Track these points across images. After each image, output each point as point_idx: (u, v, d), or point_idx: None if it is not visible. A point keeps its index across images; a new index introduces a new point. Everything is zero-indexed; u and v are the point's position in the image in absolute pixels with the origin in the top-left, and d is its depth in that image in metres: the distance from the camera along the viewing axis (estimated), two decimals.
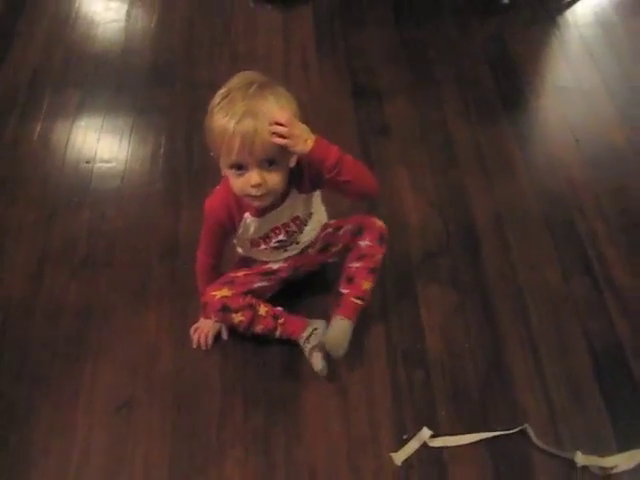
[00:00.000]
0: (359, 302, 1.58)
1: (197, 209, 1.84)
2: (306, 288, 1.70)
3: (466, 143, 2.06)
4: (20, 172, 2.02)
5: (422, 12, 2.54)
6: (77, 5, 2.57)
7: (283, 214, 1.48)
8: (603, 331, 1.64)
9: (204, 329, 1.62)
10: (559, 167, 1.99)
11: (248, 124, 1.24)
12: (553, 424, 1.49)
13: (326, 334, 1.54)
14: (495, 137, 2.08)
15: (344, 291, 1.59)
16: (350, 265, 1.61)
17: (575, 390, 1.54)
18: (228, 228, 1.50)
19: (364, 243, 1.60)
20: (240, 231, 1.51)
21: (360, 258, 1.60)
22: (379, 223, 1.61)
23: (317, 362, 1.53)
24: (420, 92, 2.23)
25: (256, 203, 1.39)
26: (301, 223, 1.53)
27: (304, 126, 1.30)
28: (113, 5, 2.57)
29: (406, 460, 1.44)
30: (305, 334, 1.56)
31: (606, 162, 2.01)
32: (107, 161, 2.03)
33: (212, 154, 1.35)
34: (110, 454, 1.46)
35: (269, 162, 1.29)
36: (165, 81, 2.27)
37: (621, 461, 1.43)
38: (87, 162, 2.03)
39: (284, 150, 1.28)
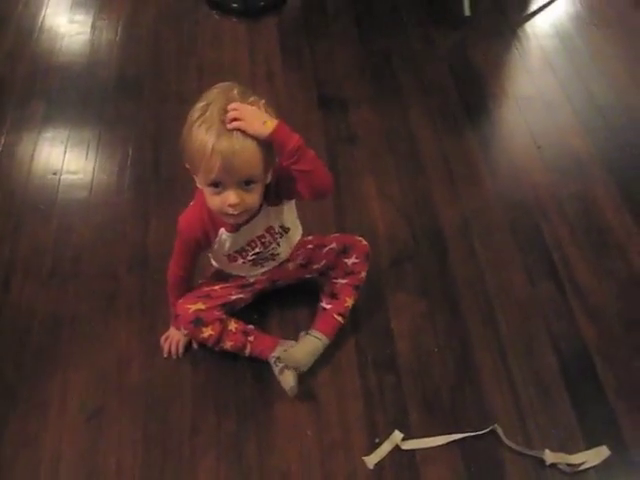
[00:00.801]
0: (340, 319, 1.60)
1: (166, 219, 1.87)
2: (280, 299, 1.71)
3: (432, 151, 2.10)
4: None
5: (384, 24, 2.58)
6: (41, 18, 2.55)
7: (257, 226, 1.48)
8: (569, 332, 1.67)
9: (174, 338, 1.61)
10: (522, 173, 2.04)
11: (227, 144, 1.23)
12: (522, 424, 1.51)
13: (296, 347, 1.54)
14: (460, 145, 2.13)
15: (327, 306, 1.61)
16: (335, 281, 1.63)
17: (542, 390, 1.57)
18: (203, 244, 1.49)
19: (350, 261, 1.62)
20: (216, 247, 1.50)
21: (346, 275, 1.62)
22: (364, 242, 1.65)
23: (288, 381, 1.51)
24: (385, 102, 2.27)
25: (232, 221, 1.39)
26: (275, 234, 1.53)
27: (258, 110, 1.27)
28: (78, 18, 2.56)
29: (378, 463, 1.45)
30: (275, 354, 1.56)
31: (567, 168, 2.06)
32: (74, 172, 2.02)
33: (188, 166, 1.34)
34: (80, 465, 1.44)
35: (247, 182, 1.29)
36: (132, 92, 2.27)
37: (588, 457, 1.46)
38: (54, 174, 2.01)
39: (262, 168, 1.29)
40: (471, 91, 2.31)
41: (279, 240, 1.55)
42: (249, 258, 1.54)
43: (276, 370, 1.54)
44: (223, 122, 1.23)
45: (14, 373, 1.58)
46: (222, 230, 1.45)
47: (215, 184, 1.29)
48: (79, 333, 1.66)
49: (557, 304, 1.73)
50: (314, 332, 1.58)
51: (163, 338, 1.62)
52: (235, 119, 1.23)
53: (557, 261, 1.82)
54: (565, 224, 1.90)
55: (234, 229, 1.45)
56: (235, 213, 1.32)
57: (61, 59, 2.40)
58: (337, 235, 1.69)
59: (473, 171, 2.05)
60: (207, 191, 1.32)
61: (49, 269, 1.78)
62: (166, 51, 2.43)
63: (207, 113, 1.25)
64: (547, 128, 2.19)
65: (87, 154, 2.07)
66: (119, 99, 2.25)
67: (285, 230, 1.54)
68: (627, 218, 1.92)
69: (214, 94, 1.29)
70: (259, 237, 1.51)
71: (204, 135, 1.24)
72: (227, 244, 1.49)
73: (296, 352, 1.53)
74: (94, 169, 2.03)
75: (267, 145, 1.28)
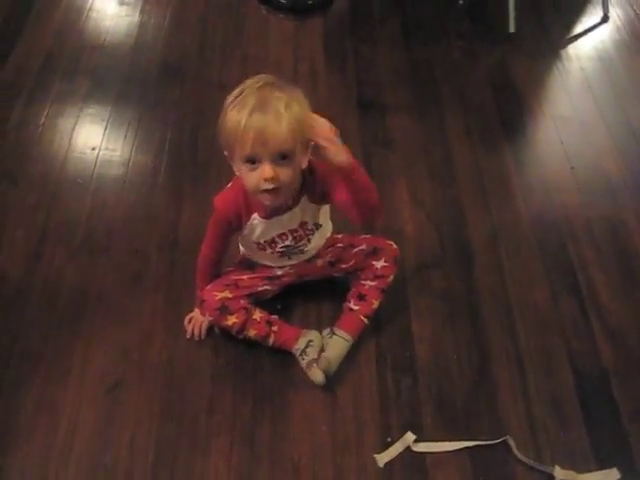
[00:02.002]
0: (365, 321, 1.63)
1: (199, 204, 1.90)
2: (305, 292, 1.72)
3: (466, 162, 2.11)
4: (25, 153, 2.03)
5: (429, 34, 2.61)
6: None
7: (292, 220, 1.50)
8: (587, 352, 1.68)
9: (198, 320, 1.63)
10: (554, 192, 2.05)
11: (260, 116, 1.25)
12: (534, 438, 1.52)
13: (328, 352, 1.57)
14: (494, 159, 2.14)
15: (354, 307, 1.63)
16: (364, 283, 1.65)
17: (557, 406, 1.57)
18: (234, 226, 1.51)
19: (380, 264, 1.64)
20: (245, 232, 1.52)
21: (375, 278, 1.64)
22: (394, 246, 1.66)
23: (317, 375, 1.54)
24: (424, 110, 2.28)
25: (268, 201, 1.39)
26: (308, 230, 1.55)
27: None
28: (128, 0, 2.60)
29: (389, 462, 1.46)
30: (299, 346, 1.58)
31: (599, 190, 2.07)
32: (112, 150, 2.05)
33: (225, 153, 1.36)
34: (96, 435, 1.47)
35: (282, 156, 1.30)
36: (174, 78, 2.30)
37: (598, 478, 1.46)
38: (93, 149, 2.04)
39: (296, 145, 1.30)
40: (509, 107, 2.32)
41: (310, 236, 1.57)
42: (278, 250, 1.56)
43: (303, 363, 1.56)
44: (257, 100, 1.26)
45: (39, 340, 1.61)
46: (255, 215, 1.47)
47: (251, 160, 1.31)
48: (104, 306, 1.68)
49: (578, 323, 1.74)
50: (341, 332, 1.60)
51: (187, 319, 1.65)
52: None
53: (581, 281, 1.82)
54: (592, 245, 1.91)
55: (267, 215, 1.47)
56: (270, 187, 1.32)
57: (108, 39, 2.43)
58: (367, 237, 1.70)
59: (505, 185, 2.06)
60: (244, 170, 1.34)
61: (80, 242, 1.81)
62: (212, 40, 2.46)
63: (240, 96, 1.28)
64: (582, 150, 2.19)
65: (126, 133, 2.10)
66: (161, 83, 2.29)
67: (317, 227, 1.56)
68: None
69: (249, 82, 1.32)
70: (291, 230, 1.52)
71: (237, 114, 1.27)
72: (258, 230, 1.50)
73: (329, 356, 1.56)
74: (132, 148, 2.06)
75: (300, 122, 1.29)
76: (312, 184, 1.46)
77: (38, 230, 1.83)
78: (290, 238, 1.54)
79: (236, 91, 1.31)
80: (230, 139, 1.30)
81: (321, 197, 1.48)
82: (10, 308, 1.67)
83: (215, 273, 1.62)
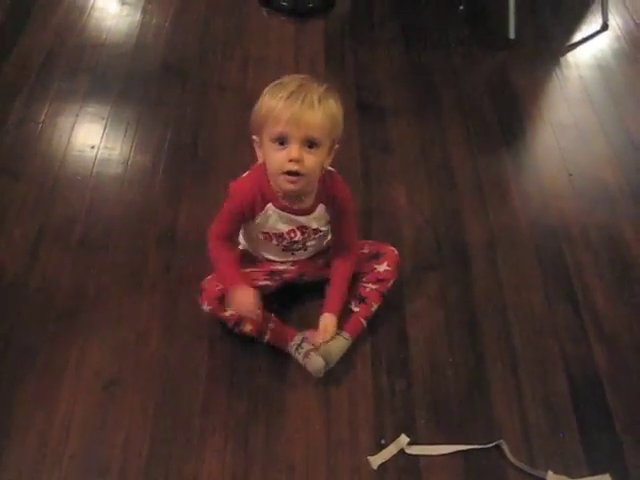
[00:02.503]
0: (364, 323, 1.64)
1: (197, 203, 1.91)
2: (302, 293, 1.72)
3: (464, 167, 2.12)
4: (24, 150, 2.04)
5: (429, 38, 2.61)
6: None
7: (307, 222, 1.53)
8: (582, 357, 1.68)
9: (242, 302, 1.49)
10: (551, 198, 2.05)
11: (298, 101, 1.31)
12: (527, 442, 1.52)
13: (332, 343, 1.56)
14: (492, 164, 2.14)
15: (355, 309, 1.65)
16: (365, 285, 1.66)
17: (551, 411, 1.57)
18: (247, 213, 1.50)
19: (383, 267, 1.66)
20: (258, 220, 1.52)
21: (377, 281, 1.66)
22: (396, 252, 1.69)
23: (316, 360, 1.53)
24: (423, 114, 2.29)
25: (288, 185, 1.39)
26: (320, 233, 1.58)
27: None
28: (130, 0, 2.61)
29: (382, 464, 1.46)
30: (295, 342, 1.58)
31: (596, 198, 2.07)
32: (112, 148, 2.06)
33: (254, 138, 1.41)
34: (91, 431, 1.47)
35: (310, 143, 1.34)
36: (175, 77, 2.31)
37: None
38: (92, 147, 2.05)
39: (325, 138, 1.35)
40: (508, 112, 2.33)
41: (316, 236, 1.59)
42: (284, 243, 1.57)
43: (299, 356, 1.56)
44: (297, 87, 1.32)
45: (35, 336, 1.61)
46: (270, 205, 1.48)
47: (280, 140, 1.34)
48: (101, 304, 1.69)
49: (573, 329, 1.74)
50: (343, 333, 1.60)
51: (231, 321, 1.59)
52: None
53: (577, 287, 1.83)
54: (589, 252, 1.91)
55: (282, 207, 1.48)
56: (294, 169, 1.34)
57: (109, 38, 2.44)
58: (370, 241, 1.72)
59: (503, 190, 2.06)
60: (271, 149, 1.36)
61: (78, 239, 1.82)
62: (213, 41, 2.47)
63: (281, 83, 1.35)
64: (580, 157, 2.20)
65: (126, 132, 2.11)
66: (162, 82, 2.29)
67: (327, 233, 1.61)
68: None
69: (287, 77, 1.38)
70: (300, 228, 1.54)
71: (275, 96, 1.33)
72: (271, 220, 1.51)
73: (332, 347, 1.56)
74: (131, 147, 2.07)
75: (334, 118, 1.36)
76: (331, 197, 1.50)
77: (36, 227, 1.83)
78: (299, 234, 1.55)
79: (274, 83, 1.38)
80: (265, 117, 1.34)
81: (335, 213, 1.54)
82: (7, 304, 1.67)
83: (231, 248, 1.58)
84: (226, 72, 2.34)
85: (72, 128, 2.10)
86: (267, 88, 1.37)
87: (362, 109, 2.28)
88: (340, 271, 1.61)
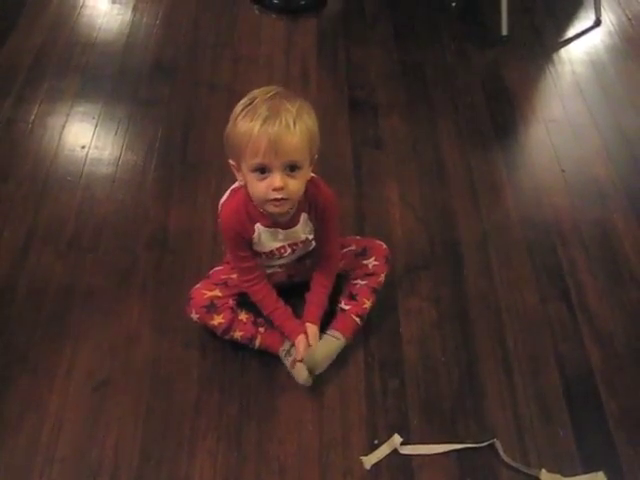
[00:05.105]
0: (358, 321, 1.61)
1: (188, 203, 1.90)
2: (293, 295, 1.69)
3: (456, 164, 2.11)
4: (14, 150, 2.02)
5: (422, 35, 2.61)
6: None
7: (295, 234, 1.51)
8: (575, 355, 1.68)
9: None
10: (544, 195, 2.05)
11: (273, 126, 1.25)
12: (521, 441, 1.51)
13: (316, 348, 1.53)
14: (485, 161, 2.14)
15: (346, 307, 1.62)
16: (354, 282, 1.65)
17: (544, 409, 1.57)
18: (244, 235, 1.48)
19: (370, 262, 1.64)
20: (255, 241, 1.49)
21: (366, 276, 1.64)
22: (384, 246, 1.67)
23: (301, 372, 1.52)
24: (415, 111, 2.28)
25: (276, 210, 1.38)
26: (309, 242, 1.56)
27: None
28: None
29: (375, 464, 1.46)
30: (285, 347, 1.57)
31: (589, 194, 2.06)
32: (102, 148, 2.05)
33: (231, 162, 1.37)
34: (81, 434, 1.46)
35: (292, 167, 1.31)
36: (166, 77, 2.30)
37: None
38: (83, 147, 2.04)
39: (305, 157, 1.32)
40: (501, 109, 2.32)
41: (306, 247, 1.58)
42: (273, 257, 1.56)
43: (287, 363, 1.55)
44: (269, 110, 1.26)
45: (25, 337, 1.60)
46: (258, 225, 1.46)
47: (261, 169, 1.30)
48: (92, 305, 1.68)
49: (566, 326, 1.73)
50: (333, 331, 1.59)
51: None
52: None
53: (570, 284, 1.82)
54: (582, 249, 1.91)
55: (270, 224, 1.46)
56: (279, 197, 1.32)
57: (100, 37, 2.43)
58: (357, 237, 1.71)
59: (496, 187, 2.06)
60: (252, 178, 1.33)
61: (68, 240, 1.80)
62: (203, 40, 2.46)
63: (251, 105, 1.29)
64: (573, 153, 2.20)
65: (117, 132, 2.10)
66: (153, 82, 2.28)
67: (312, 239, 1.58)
68: None
69: (258, 92, 1.32)
70: (291, 245, 1.53)
71: (249, 122, 1.27)
72: (262, 239, 1.49)
73: (316, 353, 1.53)
74: (122, 147, 2.05)
75: (311, 134, 1.31)
76: (314, 205, 1.48)
77: (26, 227, 1.82)
78: (289, 250, 1.54)
79: (244, 101, 1.32)
80: (240, 147, 1.30)
81: (317, 221, 1.51)
82: None
83: (261, 276, 1.56)
84: (217, 71, 2.33)
85: (62, 128, 2.09)
86: (238, 109, 1.31)
87: (354, 106, 2.27)
88: (320, 280, 1.60)
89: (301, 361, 1.51)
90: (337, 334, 1.58)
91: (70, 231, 1.82)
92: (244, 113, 1.29)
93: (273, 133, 1.25)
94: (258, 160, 1.28)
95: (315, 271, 1.61)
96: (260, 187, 1.33)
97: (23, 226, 1.82)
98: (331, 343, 1.58)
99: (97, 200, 1.90)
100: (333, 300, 1.65)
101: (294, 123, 1.27)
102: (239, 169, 1.36)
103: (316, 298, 1.59)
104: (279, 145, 1.26)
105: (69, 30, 2.44)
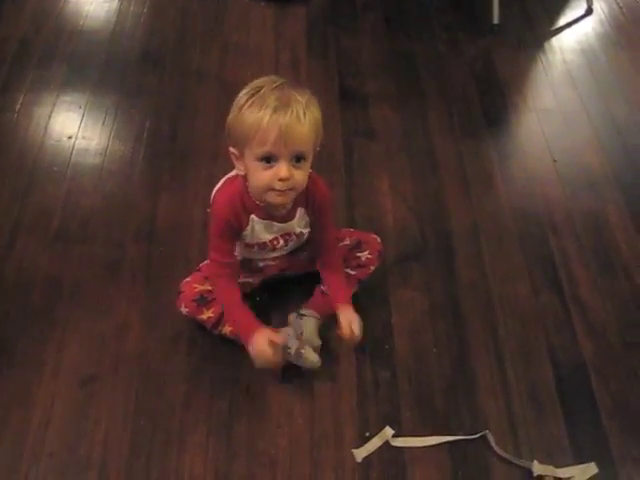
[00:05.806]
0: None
1: (177, 193, 1.88)
2: (285, 287, 1.70)
3: (448, 154, 2.10)
4: None
5: (412, 24, 2.58)
6: None
7: (290, 227, 1.50)
8: (567, 346, 1.67)
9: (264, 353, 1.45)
10: (536, 185, 2.04)
11: (285, 116, 1.24)
12: (513, 432, 1.51)
13: (305, 335, 1.54)
14: (476, 150, 2.12)
15: (328, 292, 1.59)
16: (345, 271, 1.62)
17: (536, 401, 1.57)
18: (236, 227, 1.45)
19: (364, 255, 1.63)
20: (245, 233, 1.47)
21: (357, 267, 1.64)
22: (378, 240, 1.66)
23: (311, 355, 1.50)
24: (406, 101, 2.26)
25: (279, 200, 1.35)
26: (302, 236, 1.55)
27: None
28: None
29: (367, 457, 1.45)
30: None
31: (581, 184, 2.06)
32: (89, 138, 2.02)
33: (232, 151, 1.35)
34: (69, 429, 1.44)
35: (297, 158, 1.30)
36: (154, 65, 2.26)
37: (576, 473, 1.46)
38: (69, 137, 2.00)
39: (311, 148, 1.31)
40: (492, 98, 2.31)
41: (299, 240, 1.56)
42: (265, 249, 1.54)
43: (291, 357, 1.51)
44: (278, 100, 1.24)
45: (12, 330, 1.58)
46: (253, 216, 1.44)
47: (267, 158, 1.29)
48: (79, 298, 1.65)
49: (558, 317, 1.73)
50: (309, 311, 1.59)
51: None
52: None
53: (562, 274, 1.82)
54: (574, 239, 1.90)
55: (265, 217, 1.45)
56: (283, 189, 1.31)
57: (86, 25, 2.39)
58: (351, 231, 1.70)
59: (487, 177, 2.05)
60: (256, 167, 1.31)
61: (55, 231, 1.78)
62: (192, 29, 2.42)
63: (258, 94, 1.27)
64: (564, 142, 2.19)
65: (104, 121, 2.07)
66: (140, 71, 2.25)
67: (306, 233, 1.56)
68: (636, 241, 1.92)
69: (261, 81, 1.31)
70: (284, 235, 1.51)
71: (258, 112, 1.25)
72: (256, 231, 1.47)
73: (307, 333, 1.55)
74: (110, 137, 2.02)
75: (317, 125, 1.31)
76: (311, 200, 1.47)
77: (12, 219, 1.79)
78: (282, 242, 1.53)
79: (248, 90, 1.30)
80: (248, 136, 1.28)
81: (314, 216, 1.50)
82: None
83: (239, 295, 1.49)
84: (205, 60, 2.30)
85: (49, 117, 2.06)
86: (243, 99, 1.29)
87: (345, 96, 2.25)
88: (329, 270, 1.57)
89: (302, 345, 1.52)
90: (314, 314, 1.59)
91: (57, 222, 1.79)
92: (250, 102, 1.27)
93: (284, 123, 1.24)
94: (266, 149, 1.27)
95: (322, 268, 1.59)
96: (264, 176, 1.31)
97: (9, 217, 1.79)
98: (313, 323, 1.58)
99: (84, 191, 1.87)
100: (316, 280, 1.63)
101: (304, 114, 1.26)
102: (240, 158, 1.34)
103: (336, 284, 1.56)
104: (289, 135, 1.25)
105: (55, 18, 2.40)
